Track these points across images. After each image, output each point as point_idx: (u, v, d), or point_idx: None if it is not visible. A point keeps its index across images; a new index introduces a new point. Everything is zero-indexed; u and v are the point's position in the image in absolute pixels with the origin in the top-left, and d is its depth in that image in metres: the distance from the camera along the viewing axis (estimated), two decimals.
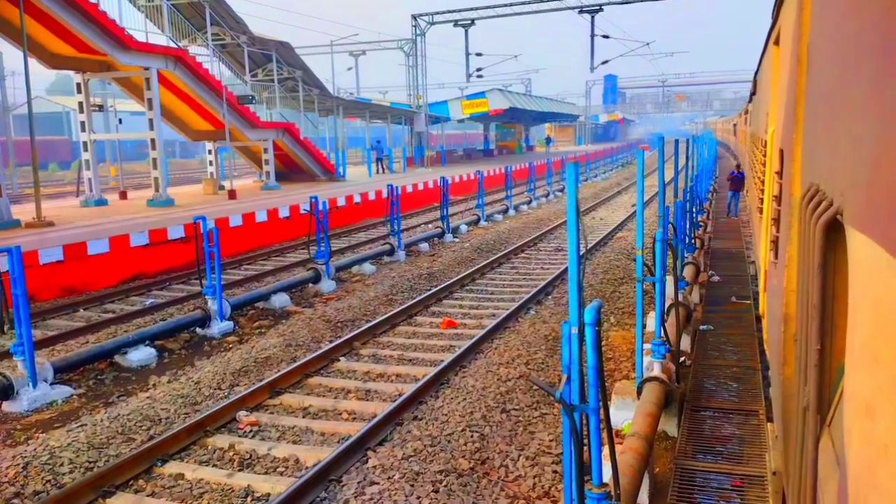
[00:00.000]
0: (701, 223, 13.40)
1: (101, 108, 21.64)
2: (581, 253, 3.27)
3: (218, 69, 24.96)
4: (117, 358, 8.68)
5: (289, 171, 27.67)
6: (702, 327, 8.36)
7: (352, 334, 9.35)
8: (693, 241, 10.84)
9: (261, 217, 17.41)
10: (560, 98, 69.30)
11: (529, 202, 25.48)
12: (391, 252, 15.37)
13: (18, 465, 5.72)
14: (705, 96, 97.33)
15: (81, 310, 11.58)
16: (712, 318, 8.86)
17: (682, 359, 6.64)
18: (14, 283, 7.25)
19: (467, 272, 13.37)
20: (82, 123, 20.16)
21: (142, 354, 8.76)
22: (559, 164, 38.26)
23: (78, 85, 19.84)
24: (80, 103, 20.05)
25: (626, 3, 31.32)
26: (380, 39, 42.62)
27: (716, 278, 11.33)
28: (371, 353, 8.88)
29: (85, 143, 20.13)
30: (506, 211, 23.05)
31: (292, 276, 12.67)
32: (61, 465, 5.78)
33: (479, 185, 21.45)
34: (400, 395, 7.32)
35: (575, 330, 3.32)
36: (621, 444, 4.65)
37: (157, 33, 21.13)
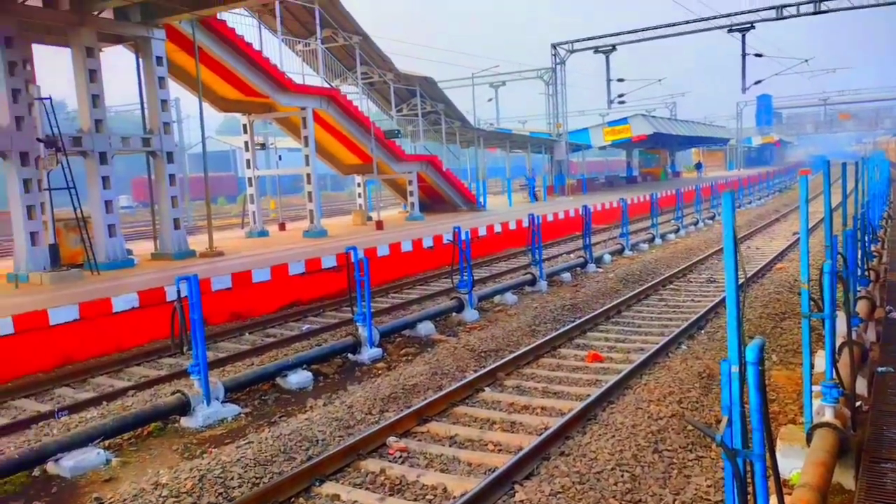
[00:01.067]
0: (875, 253, 12.31)
1: (263, 146, 23.51)
2: (739, 285, 3.16)
3: (366, 106, 26.39)
4: (278, 380, 9.30)
5: (432, 201, 28.52)
6: (879, 369, 7.64)
7: (495, 365, 9.43)
8: (866, 272, 9.98)
9: (406, 247, 18.06)
10: (708, 121, 66.47)
11: (677, 230, 24.56)
12: (533, 282, 15.38)
13: (195, 477, 6.25)
14: (873, 114, 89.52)
15: (247, 333, 12.55)
16: (892, 359, 8.07)
17: (857, 403, 6.12)
18: (192, 308, 8.01)
19: (612, 304, 13.09)
20: (247, 161, 22.02)
21: (300, 378, 9.33)
22: (708, 191, 36.61)
23: (244, 126, 21.73)
24: (246, 142, 21.93)
25: (780, 19, 29.71)
26: (519, 70, 43.13)
27: (894, 314, 10.34)
28: (515, 385, 8.91)
29: (249, 179, 21.94)
30: (652, 240, 22.36)
31: (437, 305, 13.03)
32: (231, 479, 6.26)
33: (623, 213, 20.99)
34: (546, 428, 7.27)
35: (735, 368, 3.19)
36: (790, 494, 4.35)
37: (313, 75, 22.74)
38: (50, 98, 13.85)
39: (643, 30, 34.47)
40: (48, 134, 13.60)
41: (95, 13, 14.67)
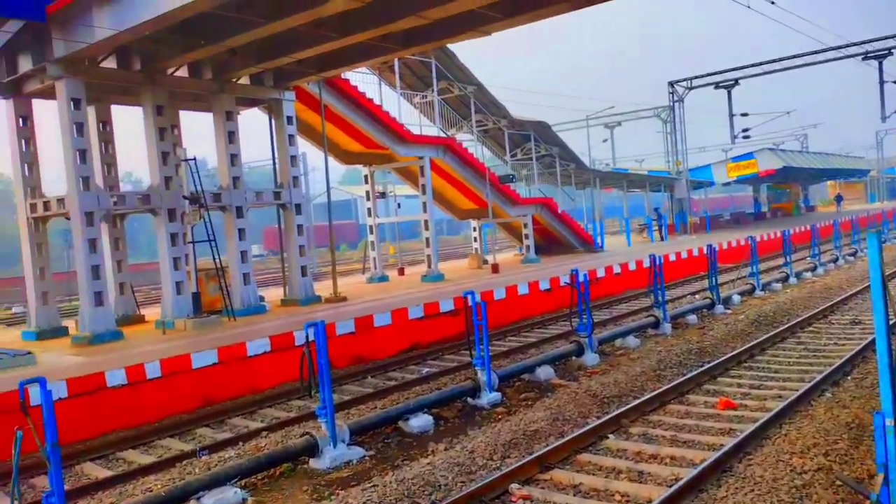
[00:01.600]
0: None
1: (383, 195, 24.34)
2: (889, 326, 2.90)
3: (481, 152, 26.83)
4: (400, 423, 9.43)
5: (547, 243, 28.35)
6: None
7: (619, 411, 9.11)
8: None
9: (523, 289, 18.00)
10: (844, 153, 62.36)
11: (814, 269, 22.97)
12: (656, 324, 14.83)
13: None
14: None
15: (369, 377, 12.88)
16: None
17: None
18: (319, 352, 8.33)
19: (744, 347, 12.37)
20: (368, 210, 22.89)
21: (421, 421, 9.42)
22: (848, 225, 34.10)
23: (365, 176, 22.66)
24: (367, 192, 22.82)
25: None
26: (636, 109, 42.54)
27: None
28: (641, 432, 8.55)
29: (370, 227, 22.76)
30: (785, 279, 21.03)
31: (556, 349, 12.81)
32: None
33: (752, 251, 19.93)
34: (676, 479, 6.90)
35: (890, 422, 2.93)
36: None
37: (430, 125, 23.48)
38: (195, 159, 15.09)
39: (768, 62, 33.16)
40: (192, 191, 14.77)
41: (234, 80, 15.94)
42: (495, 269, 22.46)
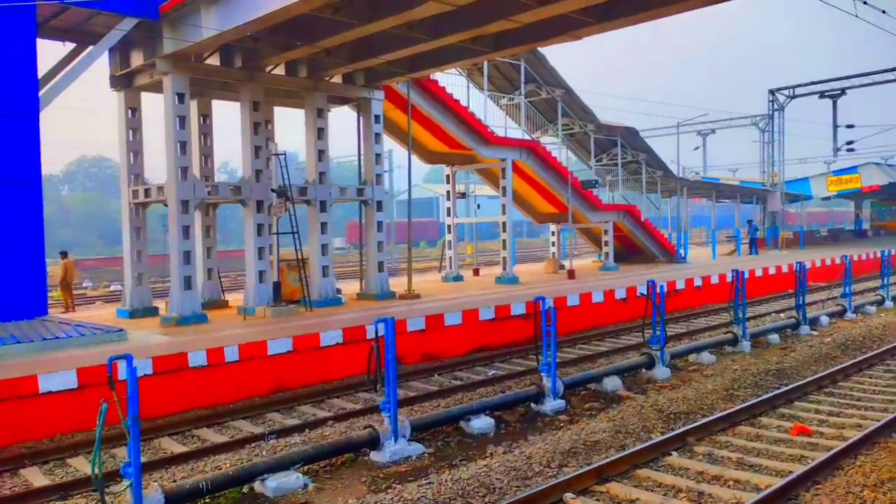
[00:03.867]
0: None
1: (463, 195, 24.47)
2: None
3: (565, 156, 26.50)
4: (461, 423, 9.52)
5: (627, 251, 27.76)
6: None
7: (685, 428, 8.88)
8: None
9: (597, 297, 17.75)
10: None
11: None
12: (734, 342, 14.31)
13: None
14: None
15: (436, 375, 13.04)
16: None
17: None
18: (387, 348, 8.52)
19: (827, 371, 11.77)
20: (448, 209, 23.08)
21: (483, 423, 9.48)
22: None
23: (447, 176, 22.84)
24: (448, 192, 23.00)
25: None
26: (730, 117, 40.99)
27: None
28: (706, 452, 8.31)
29: (449, 226, 22.94)
30: (881, 302, 19.81)
31: (625, 360, 12.61)
32: None
33: (846, 270, 18.89)
34: (738, 503, 6.70)
35: None
36: None
37: (515, 128, 23.40)
38: (285, 153, 15.65)
39: (878, 72, 31.27)
40: (280, 185, 15.32)
41: (327, 79, 16.44)
42: (571, 274, 22.19)
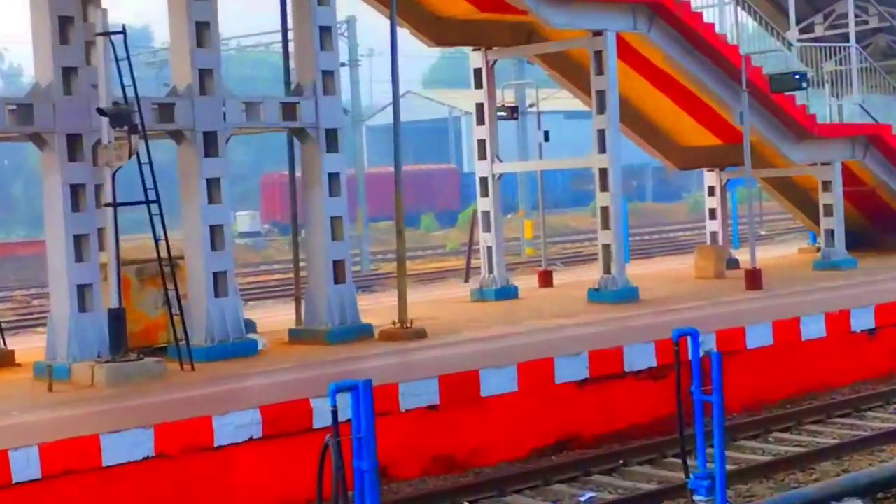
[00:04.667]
0: None
1: (514, 111, 24.49)
2: None
3: (730, 21, 26.34)
4: None
5: (875, 225, 27.67)
6: None
7: None
8: None
9: (813, 329, 17.78)
10: None
11: None
12: None
13: None
14: None
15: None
16: None
17: None
18: (357, 446, 8.55)
19: None
20: (480, 143, 23.07)
21: None
22: None
23: (476, 71, 22.83)
24: (479, 104, 22.98)
25: None
26: None
27: None
28: None
29: (484, 180, 22.94)
30: None
31: (883, 466, 12.63)
32: None
33: None
34: None
35: None
36: None
37: None
38: (124, 30, 15.60)
39: None
40: (116, 100, 15.31)
41: None
42: (753, 280, 22.10)
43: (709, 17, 23.54)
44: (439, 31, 22.08)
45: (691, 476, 10.46)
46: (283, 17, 17.94)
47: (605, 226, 21.44)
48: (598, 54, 20.83)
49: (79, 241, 15.27)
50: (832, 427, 16.01)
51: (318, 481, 8.87)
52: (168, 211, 15.90)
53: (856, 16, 27.57)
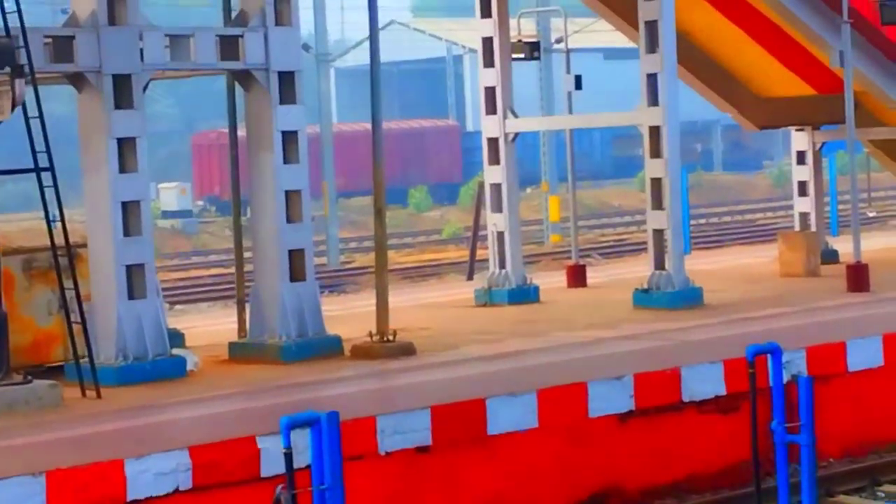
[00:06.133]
0: None
1: (534, 48, 24.56)
2: None
3: None
4: None
5: None
6: None
7: None
8: None
9: None
10: None
11: None
12: None
13: None
14: None
15: None
16: None
17: None
18: (318, 499, 8.58)
19: None
20: (488, 91, 23.13)
21: None
22: None
23: None
24: (487, 39, 23.07)
25: None
26: None
27: None
28: None
29: (493, 141, 23.00)
30: None
31: None
32: None
33: None
34: None
35: None
36: None
37: None
38: None
39: None
40: None
41: None
42: (858, 278, 22.15)
43: None
44: None
45: None
46: None
47: (658, 205, 21.47)
48: None
49: None
50: None
51: None
52: (66, 182, 15.92)
53: None
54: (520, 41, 24.72)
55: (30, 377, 15.38)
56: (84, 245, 16.45)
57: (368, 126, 19.70)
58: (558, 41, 26.78)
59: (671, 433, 15.50)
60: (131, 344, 16.30)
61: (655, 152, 21.09)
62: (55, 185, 15.52)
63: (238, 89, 18.05)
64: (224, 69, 17.60)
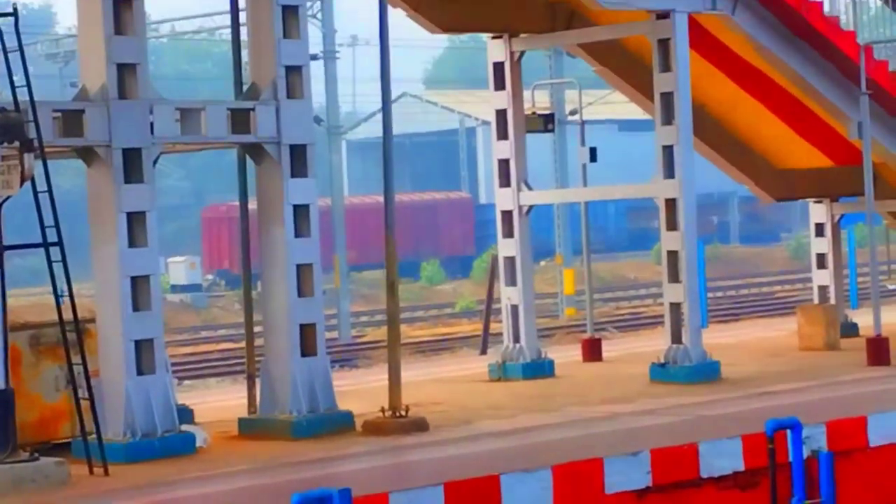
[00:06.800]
0: None
1: (548, 120, 24.58)
2: None
3: (845, 10, 26.48)
4: None
5: None
6: None
7: None
8: None
9: None
10: None
11: None
12: None
13: None
14: None
15: None
16: None
17: None
18: None
19: None
20: (502, 164, 23.12)
21: None
22: None
23: (497, 66, 22.93)
24: (501, 111, 23.07)
25: None
26: None
27: None
28: None
29: (506, 215, 22.98)
30: None
31: None
32: None
33: None
34: None
35: None
36: None
37: None
38: (15, 11, 15.66)
39: None
40: (3, 105, 15.34)
41: None
42: (879, 352, 22.05)
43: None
44: (446, 10, 22.15)
45: None
46: None
47: (674, 277, 21.44)
48: (664, 44, 20.91)
49: None
50: None
51: None
52: (75, 257, 15.90)
53: None
54: (534, 113, 24.75)
55: (36, 454, 15.31)
56: (92, 320, 16.42)
57: (380, 198, 19.72)
58: (573, 113, 26.85)
59: None
60: (140, 420, 16.24)
61: (671, 224, 21.07)
62: (63, 260, 15.49)
63: (249, 162, 18.04)
64: (235, 142, 17.62)
